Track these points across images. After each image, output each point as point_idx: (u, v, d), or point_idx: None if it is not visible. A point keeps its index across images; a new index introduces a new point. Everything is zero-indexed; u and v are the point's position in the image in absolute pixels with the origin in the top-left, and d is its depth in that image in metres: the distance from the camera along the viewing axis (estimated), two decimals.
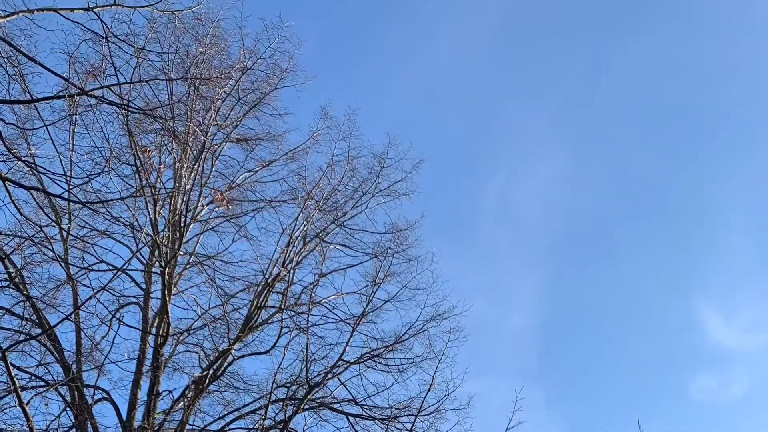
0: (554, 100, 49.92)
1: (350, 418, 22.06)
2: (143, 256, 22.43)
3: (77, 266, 20.83)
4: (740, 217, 49.47)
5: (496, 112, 50.00)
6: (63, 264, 20.32)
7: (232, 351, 21.41)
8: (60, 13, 13.05)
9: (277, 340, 21.23)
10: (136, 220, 22.20)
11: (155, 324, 21.49)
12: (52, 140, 17.41)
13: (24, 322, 19.99)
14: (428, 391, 20.59)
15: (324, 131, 24.26)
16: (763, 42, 46.45)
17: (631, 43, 48.19)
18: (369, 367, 22.36)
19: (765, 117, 47.73)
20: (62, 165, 18.56)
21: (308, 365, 20.48)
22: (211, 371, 20.91)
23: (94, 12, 13.11)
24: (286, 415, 20.34)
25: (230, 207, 22.69)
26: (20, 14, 13.01)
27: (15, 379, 15.38)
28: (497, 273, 48.81)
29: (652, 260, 51.19)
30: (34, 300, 19.55)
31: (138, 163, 20.86)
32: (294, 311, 22.38)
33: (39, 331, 19.72)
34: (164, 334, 20.42)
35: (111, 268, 21.04)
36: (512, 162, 49.85)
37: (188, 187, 21.82)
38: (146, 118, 20.26)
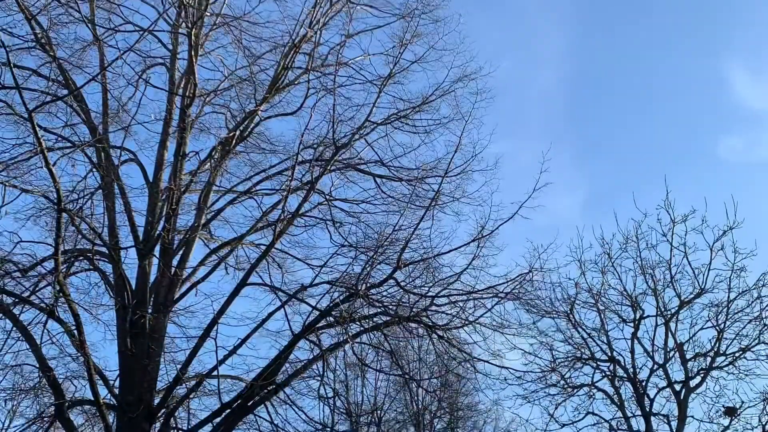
0: None
1: (377, 179, 22.27)
2: (170, 17, 22.13)
3: (104, 27, 20.52)
4: None
5: None
6: (89, 25, 20.18)
7: (259, 112, 21.47)
8: None
9: (303, 101, 21.11)
10: None
11: (182, 85, 21.50)
12: None
13: (50, 83, 20.15)
14: (455, 152, 20.48)
15: None
16: None
17: None
18: (396, 128, 22.35)
19: None
20: None
21: (335, 126, 20.45)
22: (237, 132, 21.06)
23: None
24: (313, 176, 20.46)
25: None
26: None
27: (41, 141, 15.63)
28: (525, 31, 48.03)
29: (680, 18, 49.80)
30: (60, 61, 19.60)
31: None
32: (321, 72, 22.17)
33: (65, 92, 19.87)
34: (191, 95, 20.46)
35: (137, 28, 20.76)
36: None
37: None
38: None
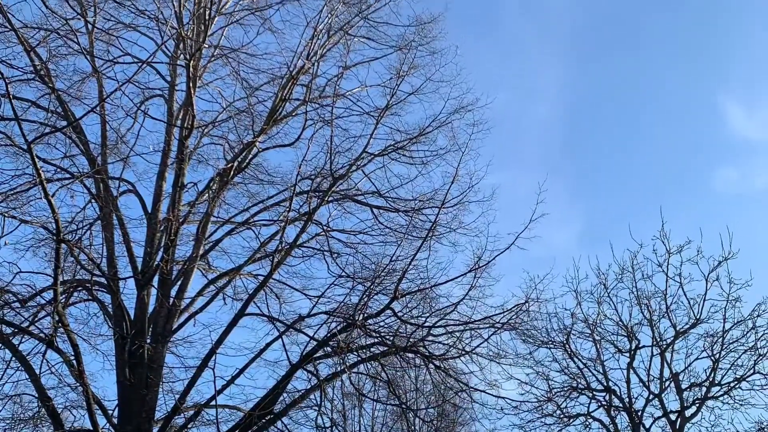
0: None
1: (374, 210, 22.40)
2: (168, 49, 22.32)
3: (102, 59, 20.75)
4: (764, 8, 48.05)
5: None
6: (88, 57, 20.30)
7: (257, 143, 21.60)
8: None
9: (301, 132, 21.34)
10: (161, 12, 21.88)
11: (180, 116, 21.63)
12: None
13: (49, 115, 20.27)
14: (452, 183, 20.60)
15: None
16: None
17: None
18: (393, 159, 22.54)
19: None
20: None
21: (332, 157, 20.61)
22: (235, 163, 21.13)
23: None
24: (311, 207, 20.60)
25: None
26: None
27: (40, 172, 15.62)
28: (521, 63, 48.49)
29: (675, 52, 50.33)
30: (59, 92, 19.70)
31: None
32: (318, 103, 22.37)
33: (64, 123, 19.95)
34: (189, 126, 20.52)
35: (136, 60, 20.92)
36: None
37: None
38: None
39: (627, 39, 50.68)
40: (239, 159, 21.40)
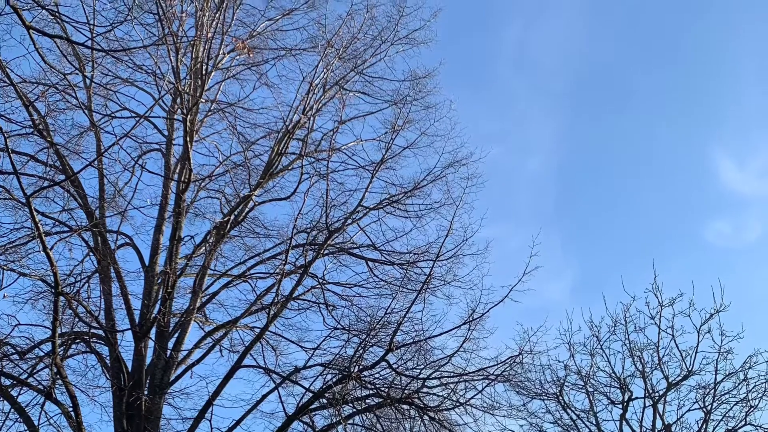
0: None
1: (369, 263, 22.54)
2: (165, 104, 22.57)
3: (100, 113, 20.96)
4: (754, 64, 48.68)
5: None
6: (86, 111, 20.48)
7: (253, 197, 21.78)
8: None
9: (297, 186, 21.57)
10: (159, 68, 22.20)
11: (177, 170, 21.80)
12: None
13: (48, 169, 20.40)
14: (446, 236, 20.82)
15: None
16: None
17: None
18: (388, 213, 22.75)
19: None
20: (85, 13, 18.44)
21: (328, 211, 20.75)
22: (232, 217, 21.33)
23: None
24: (307, 260, 20.74)
25: (251, 55, 22.63)
26: None
27: (39, 225, 15.71)
28: (514, 119, 48.98)
29: (666, 106, 50.90)
30: (57, 147, 19.86)
31: (160, 12, 20.68)
32: (314, 158, 22.68)
33: (63, 177, 20.10)
34: (186, 180, 20.68)
35: (134, 115, 21.20)
36: (529, 11, 49.22)
37: (210, 35, 21.73)
38: None
39: (619, 94, 51.27)
40: (236, 212, 21.58)
